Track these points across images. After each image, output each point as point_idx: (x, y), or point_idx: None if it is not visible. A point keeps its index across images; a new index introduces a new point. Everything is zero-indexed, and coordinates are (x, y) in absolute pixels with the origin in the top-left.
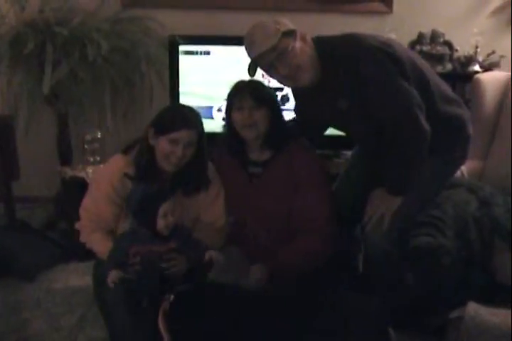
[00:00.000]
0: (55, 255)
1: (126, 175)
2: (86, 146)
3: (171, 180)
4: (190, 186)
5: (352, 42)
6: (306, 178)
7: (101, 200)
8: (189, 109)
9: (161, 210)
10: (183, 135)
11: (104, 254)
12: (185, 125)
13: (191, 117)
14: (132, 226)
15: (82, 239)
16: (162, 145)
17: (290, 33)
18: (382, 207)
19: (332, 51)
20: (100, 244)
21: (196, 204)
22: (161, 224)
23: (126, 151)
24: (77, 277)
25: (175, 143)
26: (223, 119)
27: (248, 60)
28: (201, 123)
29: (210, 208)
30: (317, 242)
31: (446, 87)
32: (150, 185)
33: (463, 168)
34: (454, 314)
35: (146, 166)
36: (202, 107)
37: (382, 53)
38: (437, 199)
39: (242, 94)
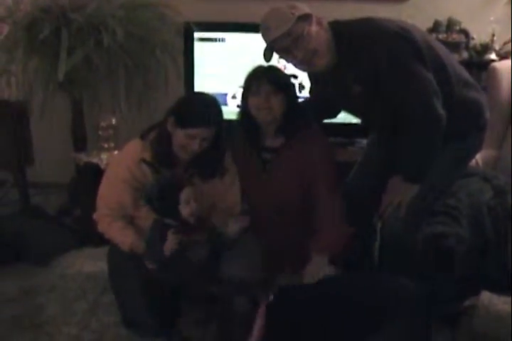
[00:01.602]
0: (69, 241)
1: (143, 160)
2: (100, 133)
3: (187, 166)
4: (206, 171)
5: (369, 27)
6: (318, 165)
7: (119, 185)
8: (211, 102)
9: (183, 196)
10: (201, 132)
11: (126, 245)
12: (204, 123)
13: (211, 113)
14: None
15: (101, 229)
16: (179, 137)
17: (305, 18)
18: (399, 195)
19: (348, 35)
20: (122, 234)
21: (212, 190)
22: (185, 211)
23: (143, 136)
24: (90, 263)
25: (192, 138)
26: (238, 106)
27: (263, 46)
28: (221, 117)
29: (226, 195)
30: (336, 233)
31: (463, 71)
32: (165, 175)
33: (478, 157)
34: (468, 302)
35: (163, 152)
36: (216, 94)
37: (399, 38)
38: (452, 188)
39: (260, 80)
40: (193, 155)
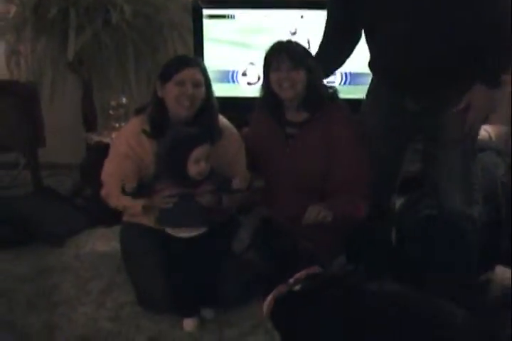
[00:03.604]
0: (82, 221)
1: (143, 131)
2: (111, 112)
3: None
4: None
5: None
6: (342, 140)
7: (122, 160)
8: (188, 55)
9: (194, 155)
10: (188, 74)
11: (137, 207)
12: (187, 64)
13: (191, 58)
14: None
15: (112, 203)
16: (170, 90)
17: None
18: (486, 107)
19: None
20: (133, 200)
21: (215, 160)
22: (193, 169)
23: (138, 112)
24: (103, 242)
25: (182, 84)
26: (248, 83)
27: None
28: (203, 64)
29: (231, 164)
30: (354, 204)
31: None
32: (186, 128)
33: (491, 131)
34: (483, 277)
35: (159, 120)
36: (227, 71)
37: None
38: None
39: (280, 55)
40: (191, 109)
